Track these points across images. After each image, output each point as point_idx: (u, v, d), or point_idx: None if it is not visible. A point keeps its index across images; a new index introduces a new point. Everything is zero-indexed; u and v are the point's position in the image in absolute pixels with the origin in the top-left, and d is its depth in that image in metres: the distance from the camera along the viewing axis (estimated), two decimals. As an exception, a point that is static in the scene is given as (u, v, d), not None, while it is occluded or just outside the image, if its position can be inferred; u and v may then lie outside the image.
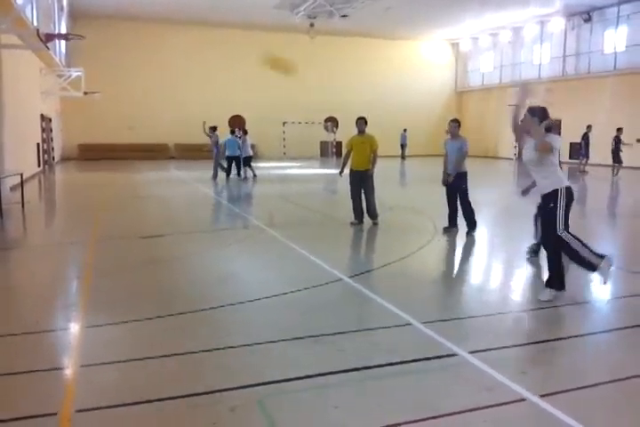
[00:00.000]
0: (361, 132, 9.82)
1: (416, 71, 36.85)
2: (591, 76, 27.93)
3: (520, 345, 4.59)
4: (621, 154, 20.92)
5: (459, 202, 9.01)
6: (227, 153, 18.96)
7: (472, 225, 8.96)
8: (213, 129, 19.25)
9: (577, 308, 5.51)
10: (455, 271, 7.25)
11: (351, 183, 9.84)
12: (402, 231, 9.53)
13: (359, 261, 7.49)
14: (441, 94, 37.82)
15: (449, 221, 9.19)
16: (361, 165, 9.65)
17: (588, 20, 27.79)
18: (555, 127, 5.59)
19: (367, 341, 4.57)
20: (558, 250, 5.44)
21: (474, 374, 3.92)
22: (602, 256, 5.43)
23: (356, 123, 9.92)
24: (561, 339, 4.66)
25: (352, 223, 9.70)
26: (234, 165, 19.16)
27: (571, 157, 28.41)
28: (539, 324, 5.20)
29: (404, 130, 32.38)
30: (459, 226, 9.16)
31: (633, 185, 19.74)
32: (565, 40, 29.39)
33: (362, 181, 9.71)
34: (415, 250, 8.01)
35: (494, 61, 35.05)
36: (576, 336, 4.71)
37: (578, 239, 5.40)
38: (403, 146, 32.29)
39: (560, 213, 5.34)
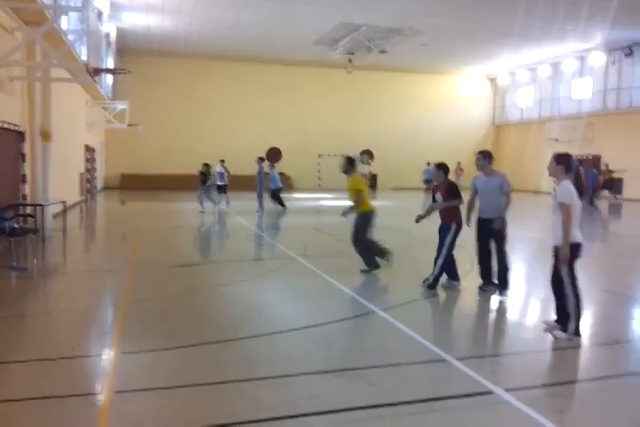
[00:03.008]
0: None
1: (454, 105, 36.95)
2: (632, 110, 27.54)
3: (558, 384, 4.45)
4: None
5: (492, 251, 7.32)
6: (272, 186, 19.32)
7: (503, 283, 7.23)
8: (262, 159, 19.60)
9: (617, 347, 5.33)
10: (490, 307, 7.09)
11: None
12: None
13: (392, 293, 7.42)
14: (479, 129, 37.75)
15: (483, 278, 7.49)
16: None
17: (630, 54, 27.55)
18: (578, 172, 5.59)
19: (400, 376, 4.50)
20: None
21: (510, 413, 3.82)
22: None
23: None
24: (600, 378, 4.50)
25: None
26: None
27: (611, 192, 27.92)
28: (576, 362, 5.05)
29: (428, 163, 32.12)
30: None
31: None
32: (606, 74, 29.15)
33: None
34: (450, 284, 7.89)
35: (533, 96, 34.91)
36: (616, 376, 4.54)
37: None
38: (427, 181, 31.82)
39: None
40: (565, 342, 5.32)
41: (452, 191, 7.40)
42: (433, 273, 7.48)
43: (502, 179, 7.18)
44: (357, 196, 8.50)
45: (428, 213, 7.65)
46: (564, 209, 5.26)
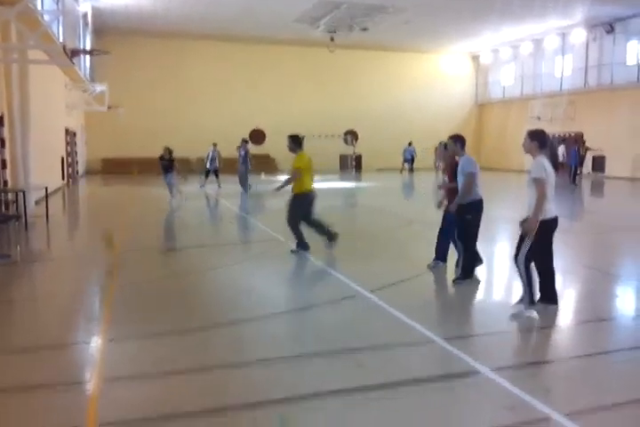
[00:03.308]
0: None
1: (436, 84, 36.83)
2: (614, 87, 27.66)
3: (544, 362, 4.52)
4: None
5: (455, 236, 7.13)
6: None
7: (465, 271, 6.92)
8: (246, 141, 19.47)
9: (602, 324, 5.42)
10: (477, 287, 7.16)
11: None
12: (422, 245, 9.47)
13: (380, 275, 7.43)
14: (461, 107, 37.71)
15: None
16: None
17: (611, 31, 27.57)
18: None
19: (388, 357, 4.54)
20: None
21: (497, 392, 3.87)
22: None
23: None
24: (585, 356, 4.58)
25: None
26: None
27: (593, 169, 28.18)
28: (562, 340, 5.13)
29: (409, 143, 32.45)
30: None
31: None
32: (587, 51, 29.16)
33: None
34: (436, 265, 7.94)
35: (515, 73, 34.89)
36: (601, 353, 4.62)
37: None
38: (407, 160, 32.24)
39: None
40: (550, 319, 5.40)
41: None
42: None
43: (463, 161, 6.86)
44: (293, 173, 8.50)
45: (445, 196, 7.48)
46: (539, 184, 5.31)
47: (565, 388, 4.06)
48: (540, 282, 5.68)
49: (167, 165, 16.73)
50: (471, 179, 6.73)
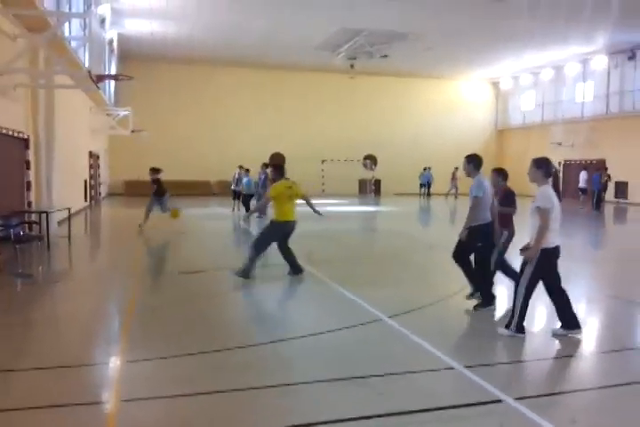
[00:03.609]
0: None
1: (456, 110, 36.95)
2: (636, 114, 27.48)
3: (569, 392, 4.41)
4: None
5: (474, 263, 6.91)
6: (245, 191, 19.31)
7: (485, 298, 6.77)
8: (266, 166, 19.75)
9: (626, 354, 5.28)
10: (497, 314, 7.04)
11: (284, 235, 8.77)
12: (443, 270, 9.39)
13: (399, 300, 7.36)
14: (482, 133, 37.70)
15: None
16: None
17: (633, 57, 27.52)
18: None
19: (408, 384, 4.46)
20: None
21: (520, 422, 3.78)
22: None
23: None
24: (610, 386, 4.46)
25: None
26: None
27: (616, 196, 27.84)
28: (586, 370, 5.00)
29: (424, 169, 32.82)
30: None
31: None
32: (609, 78, 29.12)
33: None
34: (457, 290, 7.85)
35: (536, 100, 34.89)
36: (626, 384, 4.49)
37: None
38: (423, 185, 32.59)
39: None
40: (574, 347, 5.28)
41: (509, 198, 7.14)
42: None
43: (474, 182, 6.69)
44: (265, 199, 8.97)
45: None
46: (543, 213, 5.32)
47: (590, 418, 3.94)
48: (556, 307, 5.62)
49: (159, 189, 15.36)
50: (475, 203, 6.65)
